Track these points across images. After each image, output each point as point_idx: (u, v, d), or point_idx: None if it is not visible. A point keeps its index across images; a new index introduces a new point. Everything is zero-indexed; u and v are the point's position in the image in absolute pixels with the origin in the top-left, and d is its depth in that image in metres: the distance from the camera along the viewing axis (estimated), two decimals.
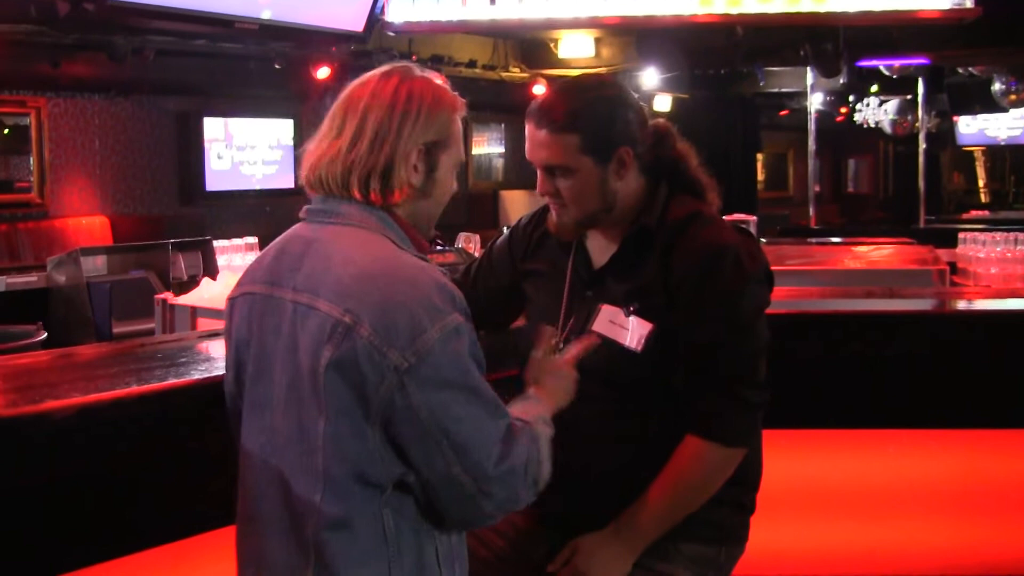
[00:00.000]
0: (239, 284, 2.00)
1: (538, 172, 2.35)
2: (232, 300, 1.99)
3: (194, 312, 3.86)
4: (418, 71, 1.99)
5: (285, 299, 1.86)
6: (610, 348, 2.31)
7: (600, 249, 2.45)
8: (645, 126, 2.37)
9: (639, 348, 2.30)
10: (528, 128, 2.33)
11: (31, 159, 7.96)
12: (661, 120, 2.47)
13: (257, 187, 9.11)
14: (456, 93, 1.97)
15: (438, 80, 1.98)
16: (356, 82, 1.97)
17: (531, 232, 2.58)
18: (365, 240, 1.86)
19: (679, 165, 2.44)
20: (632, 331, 2.34)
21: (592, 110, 2.32)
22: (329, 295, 1.79)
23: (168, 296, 4.06)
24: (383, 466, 1.78)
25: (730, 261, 2.27)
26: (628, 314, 2.34)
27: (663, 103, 9.87)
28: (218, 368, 2.31)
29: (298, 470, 1.79)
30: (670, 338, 2.28)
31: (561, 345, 2.34)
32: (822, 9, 5.95)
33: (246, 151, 9.03)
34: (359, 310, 1.75)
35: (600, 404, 2.34)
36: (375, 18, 6.63)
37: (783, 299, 4.21)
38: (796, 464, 3.68)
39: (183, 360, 2.66)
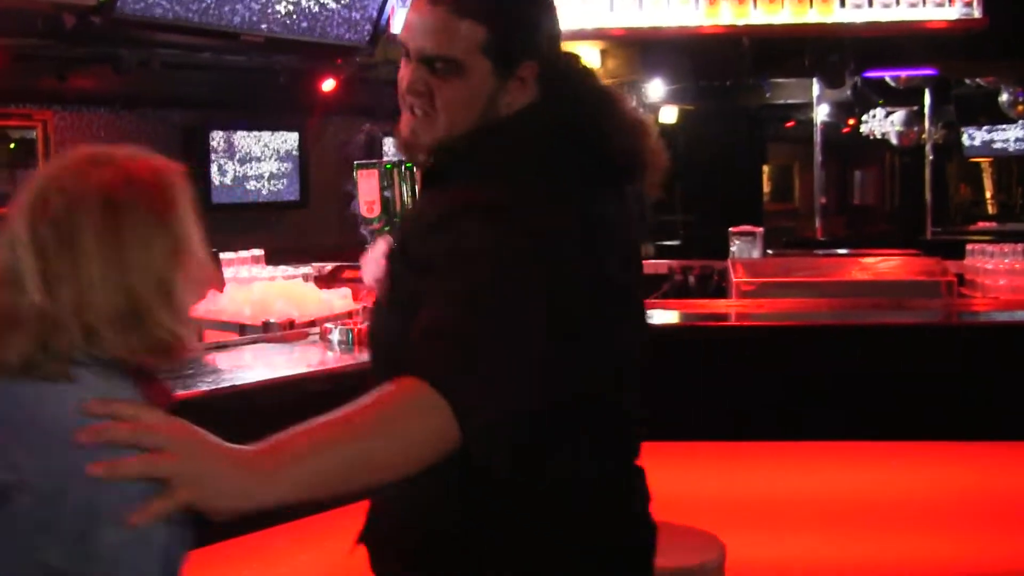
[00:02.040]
0: None
1: (405, 63, 1.78)
2: None
3: (200, 324, 3.86)
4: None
5: None
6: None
7: None
8: (558, 45, 1.83)
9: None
10: (416, 5, 1.76)
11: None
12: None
13: (263, 200, 9.10)
14: None
15: None
16: None
17: None
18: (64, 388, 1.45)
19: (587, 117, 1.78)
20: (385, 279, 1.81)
21: (514, 3, 1.78)
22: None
23: None
24: None
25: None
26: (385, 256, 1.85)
27: (669, 114, 9.86)
28: (225, 380, 2.31)
29: None
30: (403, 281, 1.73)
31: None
32: (828, 20, 5.94)
33: (251, 164, 9.03)
34: (26, 471, 1.39)
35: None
36: (381, 30, 6.62)
37: (791, 311, 4.20)
38: (805, 475, 3.67)
39: (190, 372, 2.65)
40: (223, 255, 4.76)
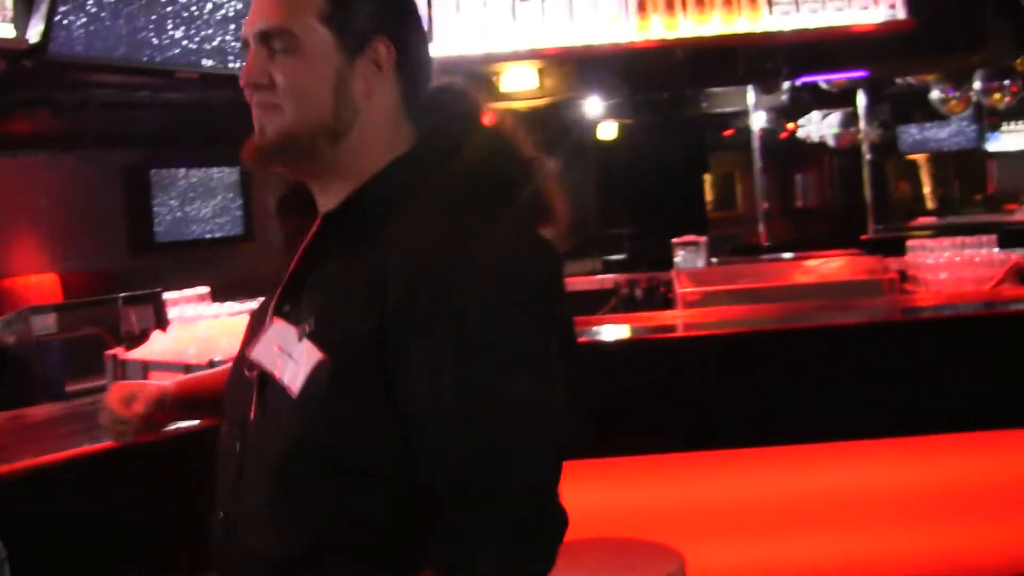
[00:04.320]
0: None
1: (248, 52, 1.54)
2: None
3: (145, 366, 3.83)
4: None
5: None
6: (272, 390, 1.50)
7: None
8: (421, 31, 1.61)
9: (296, 391, 1.44)
10: None
11: None
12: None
13: (207, 236, 9.05)
14: None
15: None
16: None
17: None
18: None
19: (467, 115, 1.58)
20: (301, 364, 1.45)
21: None
22: None
23: (119, 351, 4.02)
24: None
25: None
26: (301, 336, 1.47)
27: (608, 130, 9.92)
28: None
29: None
30: (347, 384, 1.40)
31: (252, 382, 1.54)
32: (758, 29, 6.00)
33: (194, 201, 8.98)
34: None
35: (257, 479, 1.49)
36: None
37: (737, 318, 4.23)
38: (761, 482, 3.69)
39: None
40: (167, 295, 4.73)
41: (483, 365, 1.37)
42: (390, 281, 1.39)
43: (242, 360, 1.61)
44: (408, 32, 1.58)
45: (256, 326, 1.61)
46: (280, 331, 1.50)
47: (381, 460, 1.40)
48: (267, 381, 1.51)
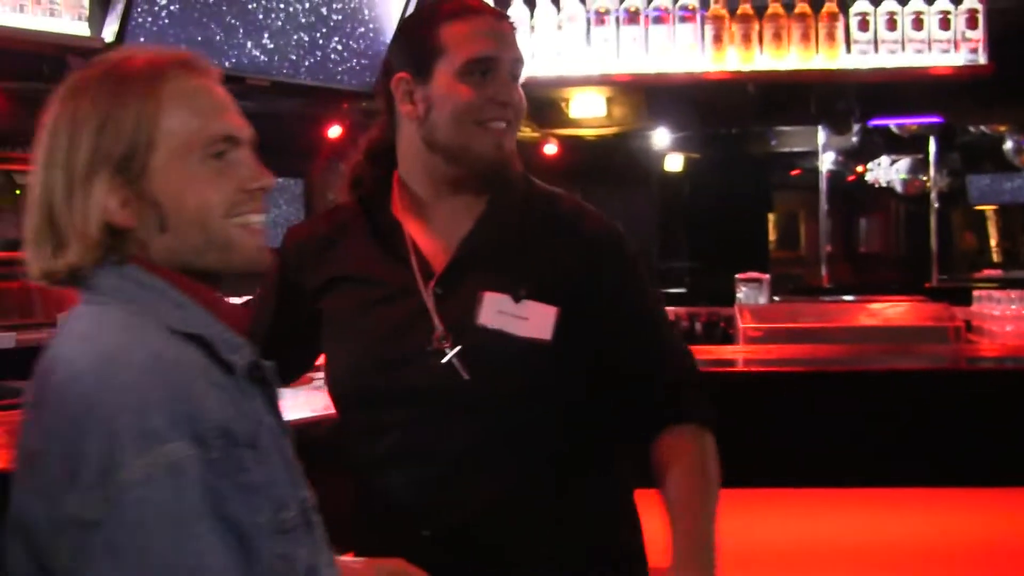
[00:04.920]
0: None
1: (486, 81, 1.92)
2: None
3: None
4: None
5: None
6: (506, 345, 1.91)
7: (448, 223, 2.00)
8: None
9: (549, 336, 1.89)
10: (484, 21, 1.94)
11: None
12: None
13: (270, 244, 9.09)
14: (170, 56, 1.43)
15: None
16: None
17: (307, 240, 2.11)
18: (94, 322, 1.36)
19: None
20: (532, 319, 1.89)
21: None
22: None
23: None
24: None
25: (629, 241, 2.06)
26: (519, 299, 1.90)
27: (675, 163, 9.87)
28: None
29: None
30: (576, 324, 1.91)
31: (447, 350, 1.90)
32: (834, 66, 5.94)
33: None
34: (46, 433, 1.25)
35: (497, 421, 1.91)
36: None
37: (799, 357, 4.17)
38: (814, 522, 3.63)
39: None
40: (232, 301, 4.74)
41: (653, 294, 2.11)
42: (593, 251, 1.96)
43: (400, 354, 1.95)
44: None
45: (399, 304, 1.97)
46: (495, 300, 1.89)
47: (594, 363, 1.97)
48: (472, 345, 1.89)
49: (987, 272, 11.95)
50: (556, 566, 1.95)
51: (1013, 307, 5.00)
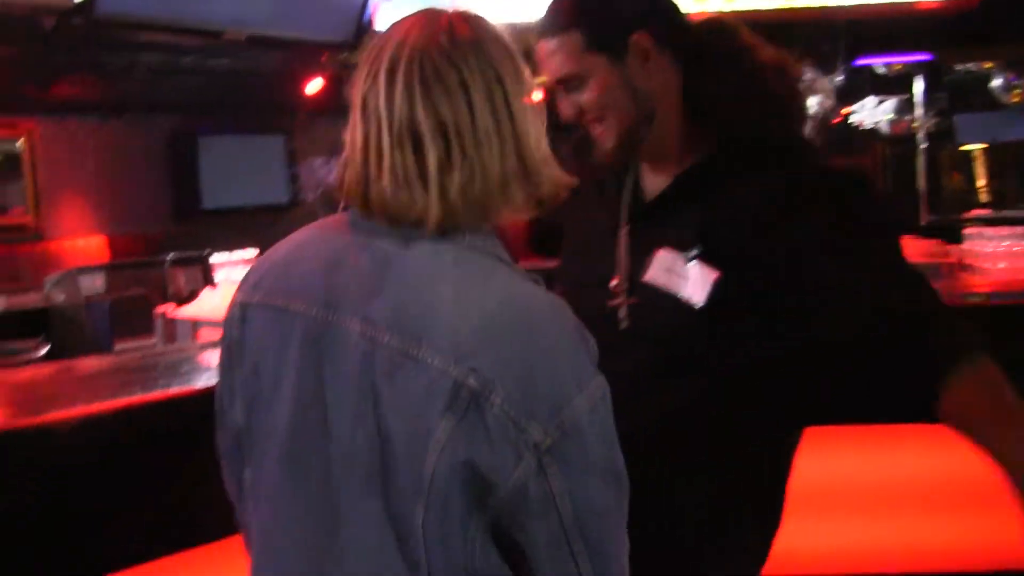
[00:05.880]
0: (253, 287, 1.57)
1: (559, 100, 1.95)
2: (245, 308, 1.56)
3: (195, 325, 3.80)
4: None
5: (352, 332, 1.39)
6: (666, 305, 1.88)
7: (653, 185, 2.02)
8: (658, 4, 1.99)
9: (701, 301, 1.84)
10: (538, 47, 1.96)
11: (24, 182, 7.89)
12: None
13: (252, 203, 9.04)
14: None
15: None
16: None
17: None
18: (476, 267, 1.41)
19: (739, 57, 1.99)
20: (692, 281, 1.86)
21: None
22: (443, 346, 1.33)
23: (168, 309, 3.99)
24: (487, 568, 1.34)
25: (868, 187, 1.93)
26: (688, 260, 1.88)
27: None
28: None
29: (376, 557, 1.35)
30: (737, 289, 1.84)
31: (621, 297, 1.93)
32: (817, 3, 5.89)
33: (240, 166, 8.97)
34: (490, 371, 1.31)
35: (653, 378, 1.87)
36: (364, 27, 6.57)
37: None
38: (823, 460, 3.62)
39: (186, 370, 2.62)
40: (215, 257, 4.71)
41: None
42: (773, 218, 1.83)
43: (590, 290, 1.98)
44: (650, 15, 1.93)
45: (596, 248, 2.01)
46: (667, 258, 1.88)
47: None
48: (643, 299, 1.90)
49: (976, 212, 11.96)
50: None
51: (1005, 243, 4.98)
